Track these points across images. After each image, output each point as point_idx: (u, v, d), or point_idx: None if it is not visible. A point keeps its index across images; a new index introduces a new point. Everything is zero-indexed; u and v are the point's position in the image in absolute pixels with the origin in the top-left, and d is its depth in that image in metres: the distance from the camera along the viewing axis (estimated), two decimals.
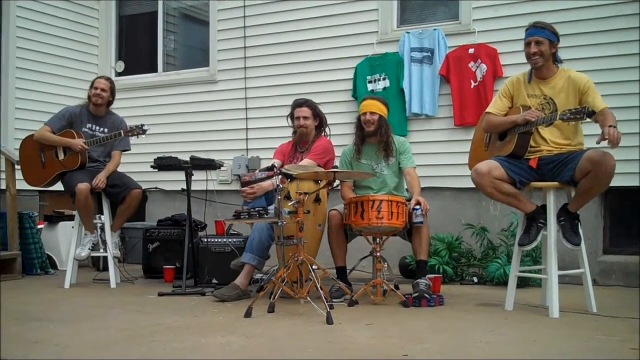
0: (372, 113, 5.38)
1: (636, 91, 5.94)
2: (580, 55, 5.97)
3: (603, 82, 5.63)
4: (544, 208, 4.56)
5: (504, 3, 6.54)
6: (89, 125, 6.10)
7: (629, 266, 5.97)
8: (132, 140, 6.16)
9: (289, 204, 4.73)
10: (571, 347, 3.62)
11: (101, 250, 6.03)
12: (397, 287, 5.21)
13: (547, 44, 4.58)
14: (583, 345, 3.64)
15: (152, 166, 5.92)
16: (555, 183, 4.47)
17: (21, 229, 6.67)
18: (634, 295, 5.38)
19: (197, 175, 5.93)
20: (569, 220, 4.49)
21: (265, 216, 4.85)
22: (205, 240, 5.99)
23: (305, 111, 5.66)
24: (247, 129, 7.78)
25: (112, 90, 6.18)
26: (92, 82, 6.17)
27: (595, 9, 6.15)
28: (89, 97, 6.12)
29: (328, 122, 5.82)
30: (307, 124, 5.65)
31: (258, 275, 5.67)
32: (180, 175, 5.81)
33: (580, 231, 4.53)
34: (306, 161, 5.49)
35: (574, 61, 5.55)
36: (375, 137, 5.41)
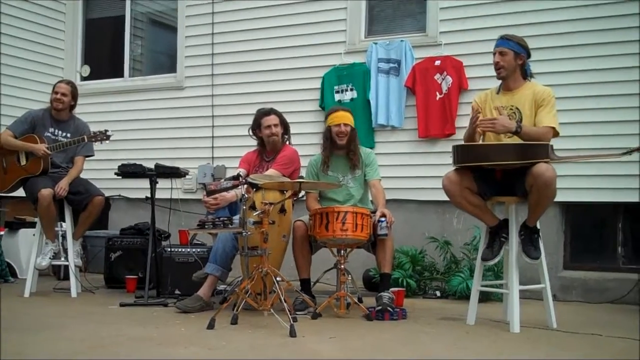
0: (345, 125, 5.38)
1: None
2: (549, 69, 5.97)
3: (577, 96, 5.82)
4: (506, 222, 4.57)
5: (471, 16, 6.59)
6: (51, 130, 6.01)
7: (588, 282, 6.03)
8: (96, 146, 6.08)
9: (254, 214, 4.70)
10: None
11: (62, 259, 5.94)
12: (360, 300, 5.21)
13: (511, 55, 4.59)
14: None
15: (116, 173, 5.86)
16: (516, 197, 4.49)
17: None
18: (593, 312, 5.47)
19: (162, 183, 5.88)
20: (528, 234, 4.51)
21: (230, 226, 4.82)
22: (169, 250, 5.91)
23: (274, 119, 5.63)
24: (213, 137, 7.75)
25: (74, 95, 6.10)
26: (54, 87, 6.08)
27: (562, 23, 6.18)
28: (51, 102, 6.04)
29: (295, 132, 5.82)
30: (278, 132, 5.62)
31: (222, 287, 5.63)
32: (145, 183, 5.77)
33: (541, 246, 4.56)
34: (271, 171, 5.45)
35: (544, 75, 5.49)
36: (345, 149, 5.42)
